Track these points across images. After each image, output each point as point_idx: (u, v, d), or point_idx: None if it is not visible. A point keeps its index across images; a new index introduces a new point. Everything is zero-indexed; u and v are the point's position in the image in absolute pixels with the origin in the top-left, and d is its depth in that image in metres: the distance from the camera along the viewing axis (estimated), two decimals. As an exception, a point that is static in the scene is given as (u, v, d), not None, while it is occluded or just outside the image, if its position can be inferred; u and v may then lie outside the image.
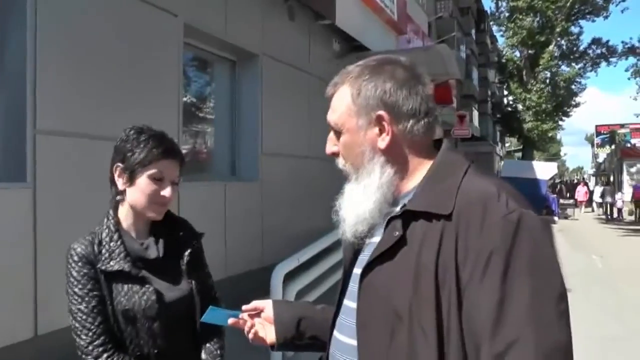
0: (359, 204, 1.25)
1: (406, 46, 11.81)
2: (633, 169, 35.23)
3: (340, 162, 1.31)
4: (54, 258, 3.75)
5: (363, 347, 1.21)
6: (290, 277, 4.93)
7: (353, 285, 1.27)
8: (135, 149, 1.76)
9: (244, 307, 1.56)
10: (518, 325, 1.02)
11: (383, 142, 1.23)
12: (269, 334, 1.53)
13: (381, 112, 1.21)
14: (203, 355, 1.92)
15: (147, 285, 1.78)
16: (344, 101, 1.26)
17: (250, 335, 1.54)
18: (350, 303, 1.27)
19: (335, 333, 1.32)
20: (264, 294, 5.33)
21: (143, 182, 1.77)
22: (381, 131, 1.22)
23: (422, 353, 1.10)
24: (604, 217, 24.28)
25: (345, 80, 1.27)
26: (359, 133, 1.24)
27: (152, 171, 1.76)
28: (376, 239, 1.23)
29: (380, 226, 1.23)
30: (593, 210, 25.01)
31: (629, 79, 32.53)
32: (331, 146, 1.32)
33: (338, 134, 1.28)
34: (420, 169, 1.24)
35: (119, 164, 1.78)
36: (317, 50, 8.56)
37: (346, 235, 1.29)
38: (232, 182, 6.69)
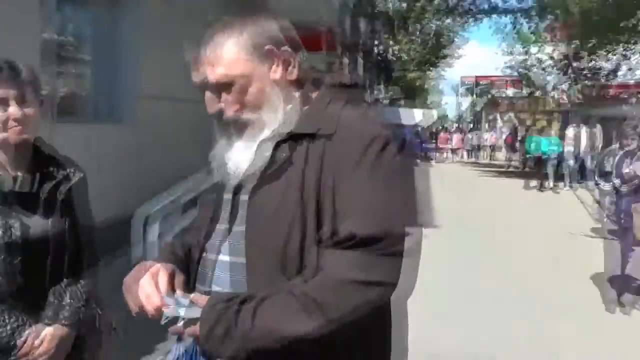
0: (254, 139, 1.36)
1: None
2: (505, 118, 38.29)
3: (232, 116, 1.37)
4: None
5: (252, 264, 1.32)
6: (153, 220, 4.90)
7: (236, 209, 1.38)
8: None
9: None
10: (364, 219, 1.23)
11: (276, 74, 1.36)
12: None
13: (270, 47, 1.35)
14: (67, 298, 1.87)
15: (10, 218, 1.75)
16: (230, 52, 1.34)
17: None
18: (235, 227, 1.37)
19: (221, 256, 1.39)
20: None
21: None
22: (274, 64, 1.36)
23: (308, 264, 1.27)
24: (471, 161, 26.36)
25: (221, 35, 1.35)
26: (258, 73, 1.34)
27: None
28: (253, 163, 1.34)
29: (259, 150, 1.34)
30: (463, 157, 26.79)
31: (492, 35, 34.51)
32: (215, 104, 1.37)
33: (227, 86, 1.34)
34: (305, 99, 1.40)
35: None
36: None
37: (223, 169, 1.41)
38: (108, 124, 6.66)
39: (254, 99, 1.34)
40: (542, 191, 16.32)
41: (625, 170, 5.68)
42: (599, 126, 17.34)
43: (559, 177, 16.97)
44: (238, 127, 1.37)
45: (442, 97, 75.01)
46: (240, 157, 1.36)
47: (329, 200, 1.27)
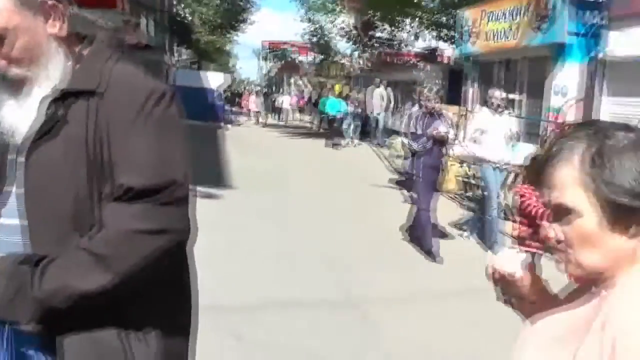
0: (34, 97, 1.31)
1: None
2: (299, 82, 39.77)
3: (12, 71, 1.29)
4: None
5: (35, 226, 1.30)
6: None
7: (15, 171, 1.33)
8: None
9: None
10: (139, 171, 1.27)
11: (54, 27, 1.31)
12: None
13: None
14: None
15: None
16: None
17: None
18: (16, 189, 1.32)
19: (3, 220, 1.34)
20: None
21: None
22: (48, 18, 1.30)
23: (95, 222, 1.28)
24: (272, 123, 26.78)
25: None
26: (29, 27, 1.28)
27: None
28: (29, 122, 1.30)
29: (34, 109, 1.30)
30: (258, 122, 26.69)
31: (290, 1, 35.53)
32: None
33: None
34: (79, 56, 1.37)
35: None
36: None
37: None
38: None
39: (26, 53, 1.28)
40: (336, 149, 17.41)
41: (428, 129, 6.20)
42: (389, 89, 18.87)
43: (351, 135, 18.38)
44: (9, 84, 1.30)
45: (237, 62, 75.86)
46: (16, 115, 1.30)
47: (106, 156, 1.28)
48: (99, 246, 1.24)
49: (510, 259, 1.19)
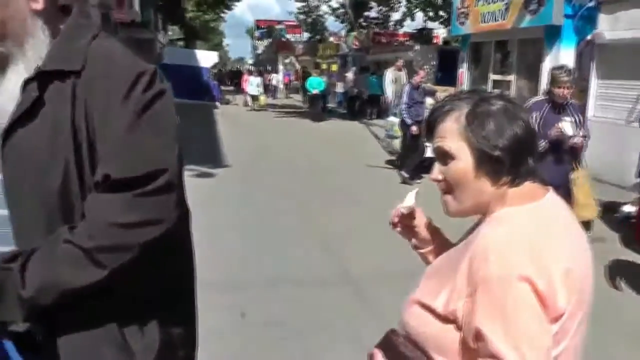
0: (18, 76, 1.25)
1: None
2: (287, 61, 39.32)
3: None
4: None
5: (18, 214, 1.25)
6: None
7: None
8: None
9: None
10: (120, 161, 1.21)
11: (38, 4, 1.25)
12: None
13: None
14: None
15: None
16: None
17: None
18: None
19: None
20: None
21: None
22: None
23: (77, 210, 1.24)
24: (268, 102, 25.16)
25: None
26: (15, 2, 1.23)
27: None
28: (3, 104, 1.24)
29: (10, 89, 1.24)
30: (246, 104, 24.02)
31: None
32: None
33: None
34: (57, 32, 1.29)
35: None
36: None
37: None
38: None
39: (14, 28, 1.23)
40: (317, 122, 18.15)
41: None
42: (403, 71, 18.91)
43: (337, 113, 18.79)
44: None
45: (224, 40, 75.02)
46: (1, 97, 1.24)
47: (88, 142, 1.21)
48: (83, 240, 1.18)
49: (408, 197, 1.46)
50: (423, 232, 1.48)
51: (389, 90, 14.25)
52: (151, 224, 1.21)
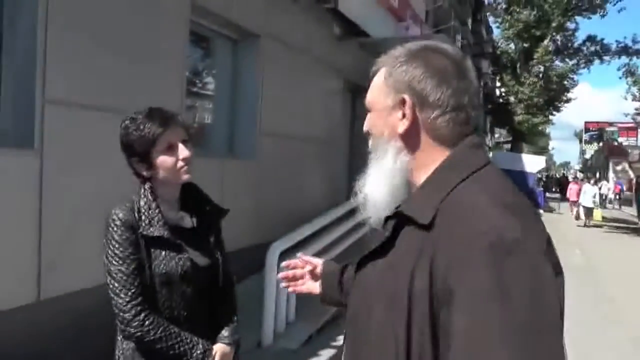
0: (377, 187, 1.24)
1: (404, 34, 11.85)
2: (619, 167, 35.71)
3: (370, 142, 1.29)
4: (59, 223, 3.85)
5: (349, 340, 1.24)
6: (285, 255, 5.06)
7: None
8: (137, 137, 1.87)
9: (300, 255, 1.82)
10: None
11: (402, 126, 1.19)
12: (313, 287, 1.76)
13: (405, 97, 1.18)
14: (225, 332, 2.07)
15: (183, 252, 1.90)
16: (377, 81, 1.26)
17: (292, 289, 1.79)
18: None
19: None
20: (258, 270, 5.47)
21: (160, 160, 1.90)
22: (403, 116, 1.19)
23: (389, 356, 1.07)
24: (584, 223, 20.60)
25: (386, 60, 1.25)
26: (383, 114, 1.23)
27: (161, 147, 1.89)
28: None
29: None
30: (578, 218, 20.47)
31: (620, 78, 32.80)
32: (365, 125, 1.31)
33: (369, 112, 1.29)
34: (435, 164, 1.17)
35: (133, 158, 1.91)
36: (318, 33, 8.59)
37: (371, 218, 1.27)
38: (229, 159, 6.75)
39: (376, 137, 1.29)
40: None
41: None
42: None
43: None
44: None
45: (549, 142, 72.09)
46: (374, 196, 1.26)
47: (433, 318, 1.02)
48: None
49: None
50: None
51: None
52: None
